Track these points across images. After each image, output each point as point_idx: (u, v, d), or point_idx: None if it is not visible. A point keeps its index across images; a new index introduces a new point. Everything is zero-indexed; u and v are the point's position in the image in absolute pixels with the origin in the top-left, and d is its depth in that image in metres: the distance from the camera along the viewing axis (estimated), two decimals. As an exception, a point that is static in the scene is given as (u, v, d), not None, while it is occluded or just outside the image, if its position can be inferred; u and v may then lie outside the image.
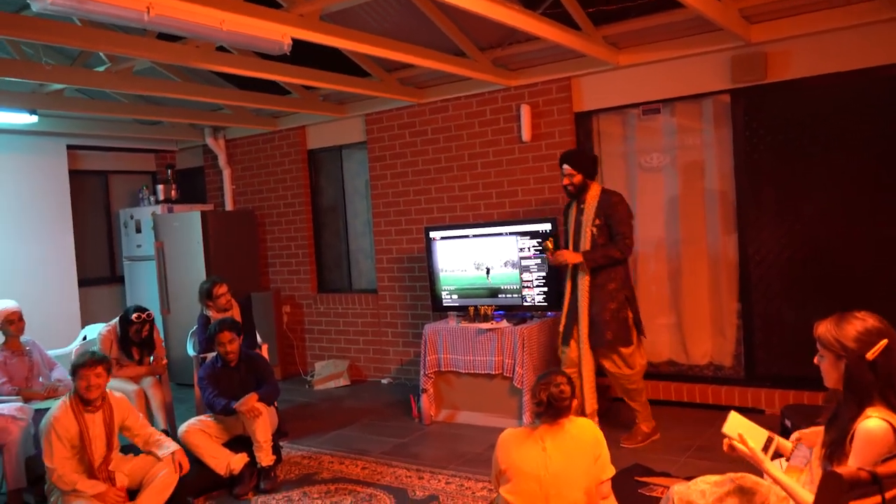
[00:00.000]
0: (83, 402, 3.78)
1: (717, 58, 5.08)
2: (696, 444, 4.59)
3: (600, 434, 2.98)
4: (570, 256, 4.63)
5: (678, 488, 2.63)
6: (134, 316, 5.11)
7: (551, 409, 2.89)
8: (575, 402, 2.94)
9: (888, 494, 1.97)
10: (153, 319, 5.25)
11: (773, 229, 5.07)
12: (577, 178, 4.63)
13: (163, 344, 5.53)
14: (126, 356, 5.18)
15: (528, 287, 5.46)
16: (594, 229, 4.59)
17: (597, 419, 4.61)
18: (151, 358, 5.39)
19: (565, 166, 4.67)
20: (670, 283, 5.59)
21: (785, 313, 5.07)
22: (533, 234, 5.40)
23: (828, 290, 4.87)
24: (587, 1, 4.80)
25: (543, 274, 5.38)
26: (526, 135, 5.82)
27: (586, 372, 4.67)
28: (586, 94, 5.68)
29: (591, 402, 4.69)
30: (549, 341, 5.28)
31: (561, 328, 4.84)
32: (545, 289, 5.38)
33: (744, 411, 5.04)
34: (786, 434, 3.77)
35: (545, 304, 5.40)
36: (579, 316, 4.65)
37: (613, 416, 5.24)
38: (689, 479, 3.06)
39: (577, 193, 4.68)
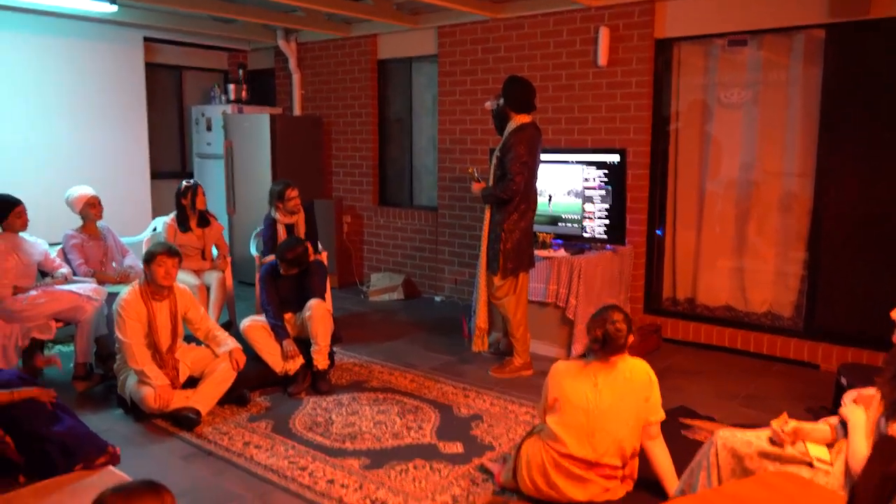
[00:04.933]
0: (153, 289, 3.96)
1: (817, -11, 4.74)
2: (745, 392, 4.56)
3: (653, 376, 2.98)
4: (475, 188, 4.82)
5: (724, 434, 2.63)
6: (183, 185, 5.45)
7: (607, 346, 2.88)
8: (631, 339, 2.93)
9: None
10: (200, 187, 5.52)
11: (853, 180, 4.83)
12: (500, 103, 4.67)
13: (226, 241, 5.70)
14: (185, 230, 5.40)
15: (589, 218, 5.39)
16: (495, 161, 4.67)
17: (485, 338, 4.93)
18: (215, 253, 5.59)
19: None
20: (736, 225, 5.43)
21: (853, 268, 4.89)
22: (599, 165, 5.28)
23: (904, 248, 4.68)
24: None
25: (607, 206, 5.29)
26: (602, 59, 5.60)
27: (481, 292, 4.86)
28: (670, 19, 5.40)
29: (481, 319, 4.90)
30: (606, 274, 5.24)
31: None
32: (607, 221, 5.31)
33: (799, 365, 5.02)
34: (840, 392, 3.72)
35: (605, 236, 5.34)
36: (480, 242, 4.83)
37: (661, 357, 5.25)
38: (737, 426, 3.07)
39: (498, 122, 4.73)
